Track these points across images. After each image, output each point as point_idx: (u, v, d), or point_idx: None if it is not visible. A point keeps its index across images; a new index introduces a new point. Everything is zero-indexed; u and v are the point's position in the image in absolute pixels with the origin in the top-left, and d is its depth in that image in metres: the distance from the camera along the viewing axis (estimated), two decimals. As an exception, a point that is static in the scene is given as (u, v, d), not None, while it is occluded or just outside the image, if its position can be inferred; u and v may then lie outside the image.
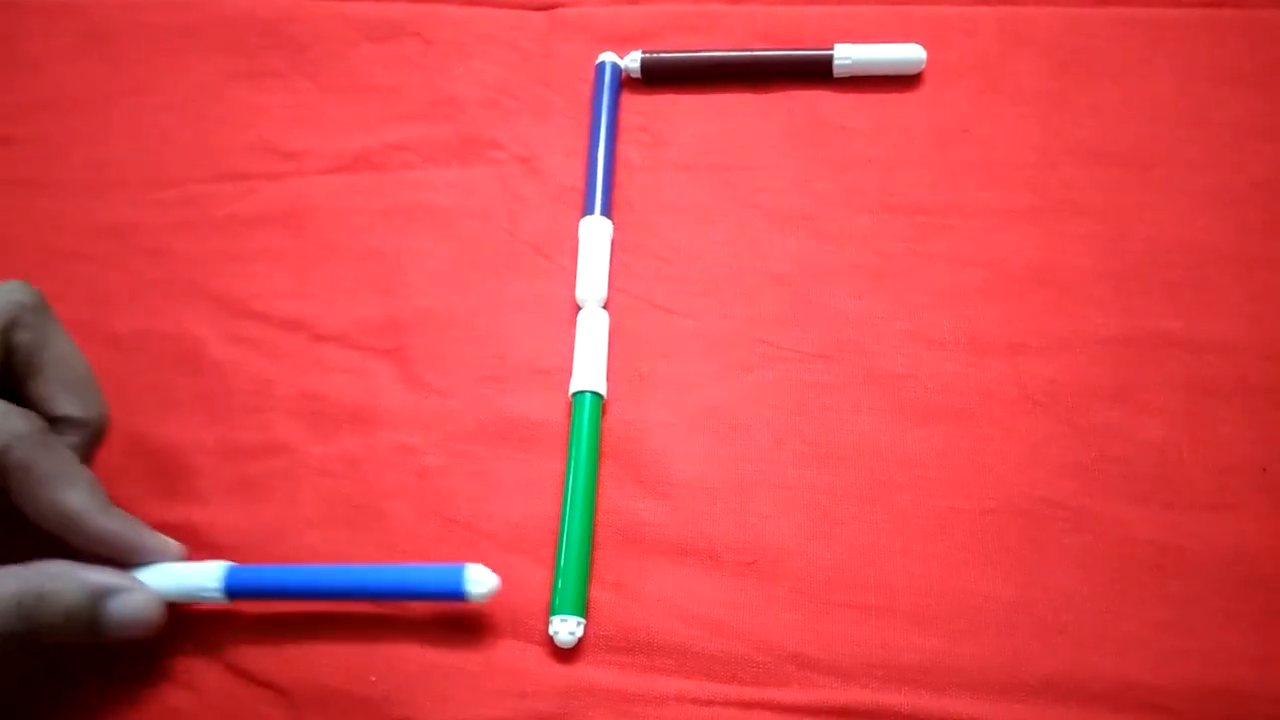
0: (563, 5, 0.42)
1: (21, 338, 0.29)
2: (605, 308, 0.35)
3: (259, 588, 0.30)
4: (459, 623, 0.30)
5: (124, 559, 0.29)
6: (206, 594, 0.30)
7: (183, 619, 0.31)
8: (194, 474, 0.34)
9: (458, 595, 0.29)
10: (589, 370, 0.33)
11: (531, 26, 0.42)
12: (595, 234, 0.36)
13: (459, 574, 0.29)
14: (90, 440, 0.30)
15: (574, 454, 0.32)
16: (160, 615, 0.29)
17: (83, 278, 0.38)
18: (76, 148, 0.42)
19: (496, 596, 0.30)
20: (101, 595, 0.27)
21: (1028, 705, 0.27)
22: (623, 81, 0.40)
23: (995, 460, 0.31)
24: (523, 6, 0.42)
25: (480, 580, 0.28)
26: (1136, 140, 0.36)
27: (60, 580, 0.27)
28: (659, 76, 0.39)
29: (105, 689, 0.30)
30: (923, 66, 0.38)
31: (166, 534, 0.31)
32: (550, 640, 0.29)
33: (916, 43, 0.38)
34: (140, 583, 0.28)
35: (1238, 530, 0.29)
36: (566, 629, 0.29)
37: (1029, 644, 0.28)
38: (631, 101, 0.40)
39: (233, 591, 0.30)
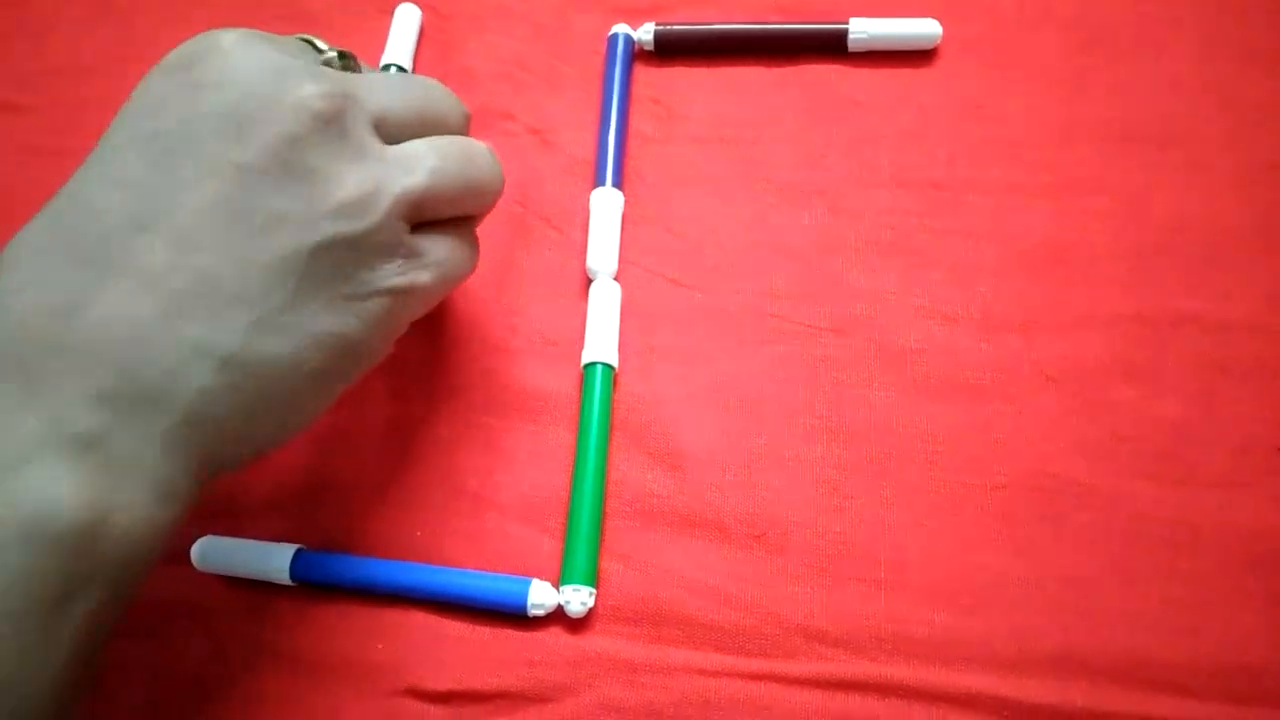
0: (577, -23, 0.42)
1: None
2: (616, 280, 0.35)
3: (323, 576, 0.30)
4: (467, 591, 0.30)
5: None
6: (274, 575, 0.30)
7: (184, 585, 0.31)
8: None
9: (519, 609, 0.29)
10: (601, 341, 0.33)
11: (545, -2, 0.42)
12: (606, 206, 0.35)
13: (523, 590, 0.29)
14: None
15: (585, 425, 0.31)
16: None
17: (93, 246, 0.38)
18: (88, 116, 0.41)
19: (506, 565, 0.30)
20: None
21: (1037, 681, 0.27)
22: (635, 54, 0.40)
23: (1008, 436, 0.31)
24: (537, -22, 0.42)
25: (541, 602, 0.29)
26: (1156, 118, 0.35)
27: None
28: (672, 49, 0.39)
29: (108, 657, 0.30)
30: (939, 41, 0.37)
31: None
32: (558, 609, 0.29)
33: (933, 17, 0.37)
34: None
35: (1251, 509, 0.29)
36: (579, 599, 0.29)
37: (1039, 620, 0.28)
38: (644, 74, 0.39)
39: (298, 576, 0.30)
